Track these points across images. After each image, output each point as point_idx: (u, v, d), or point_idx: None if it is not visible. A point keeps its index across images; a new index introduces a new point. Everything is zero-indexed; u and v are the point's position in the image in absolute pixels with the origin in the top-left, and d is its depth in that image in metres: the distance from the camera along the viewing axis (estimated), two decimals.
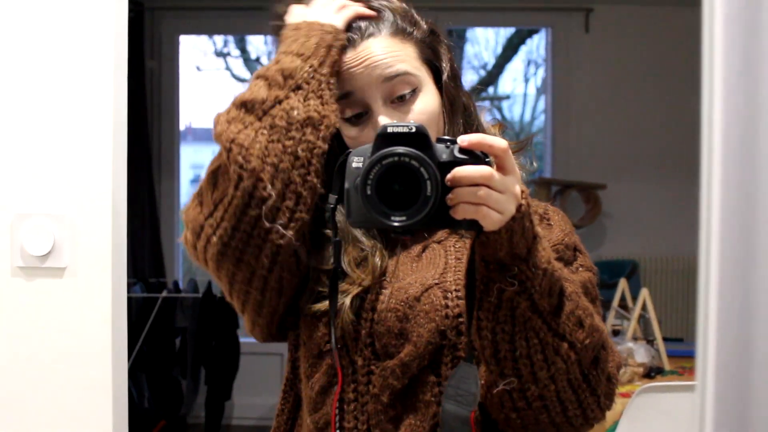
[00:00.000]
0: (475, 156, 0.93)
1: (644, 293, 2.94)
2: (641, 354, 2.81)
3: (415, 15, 1.18)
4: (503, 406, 1.02)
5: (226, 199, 1.04)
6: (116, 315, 1.59)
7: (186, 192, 5.38)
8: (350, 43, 1.12)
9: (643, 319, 3.05)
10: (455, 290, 1.09)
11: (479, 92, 1.28)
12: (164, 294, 4.12)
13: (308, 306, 1.12)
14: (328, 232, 1.11)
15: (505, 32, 5.62)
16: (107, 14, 1.56)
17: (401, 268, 1.14)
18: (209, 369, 4.30)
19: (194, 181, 5.82)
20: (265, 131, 1.04)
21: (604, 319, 1.09)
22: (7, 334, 1.58)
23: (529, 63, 5.67)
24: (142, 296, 4.14)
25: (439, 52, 1.19)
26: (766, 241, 0.50)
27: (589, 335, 1.00)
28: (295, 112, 1.05)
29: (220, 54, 5.66)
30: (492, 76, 5.60)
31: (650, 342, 2.93)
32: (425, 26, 1.18)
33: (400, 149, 0.91)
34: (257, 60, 5.71)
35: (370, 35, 1.13)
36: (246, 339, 4.27)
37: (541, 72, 5.57)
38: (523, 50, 5.66)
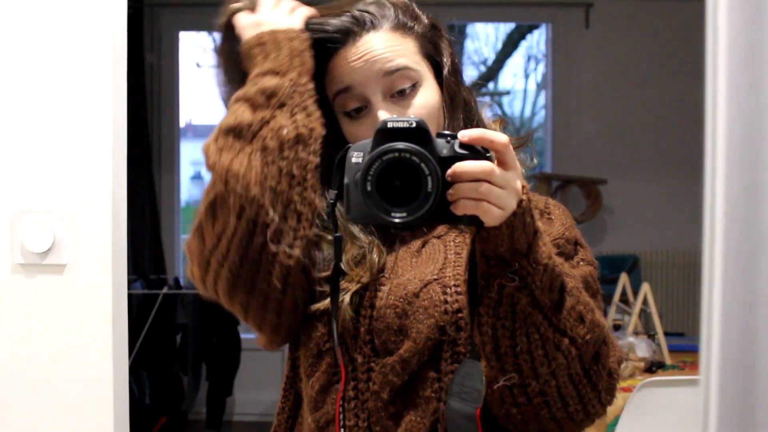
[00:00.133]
0: (475, 151, 0.93)
1: (645, 288, 2.94)
2: (642, 349, 2.81)
3: (416, 9, 1.18)
4: (504, 401, 1.02)
5: (228, 230, 1.03)
6: (117, 311, 1.59)
7: (186, 188, 5.38)
8: (351, 37, 1.12)
9: (644, 314, 3.05)
10: (454, 285, 1.09)
11: (480, 87, 1.28)
12: (165, 290, 4.12)
13: (307, 306, 1.11)
14: (322, 233, 1.11)
15: (505, 28, 5.61)
16: (106, 11, 1.56)
17: (400, 263, 1.14)
18: (210, 365, 4.30)
19: (195, 177, 5.83)
20: (258, 155, 1.03)
21: (605, 313, 1.09)
22: (7, 331, 1.57)
23: (529, 58, 5.66)
24: (143, 293, 4.14)
25: (439, 47, 1.18)
26: None
27: (590, 331, 0.99)
28: (285, 131, 1.04)
29: None
30: (492, 71, 5.60)
31: (651, 337, 2.93)
32: (426, 21, 1.17)
33: (401, 145, 0.91)
34: None
35: (371, 29, 1.12)
36: (247, 335, 4.27)
37: (541, 67, 5.57)
38: (523, 46, 5.66)
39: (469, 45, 5.54)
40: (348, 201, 0.98)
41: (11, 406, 1.58)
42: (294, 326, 1.12)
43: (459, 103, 1.19)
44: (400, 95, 1.12)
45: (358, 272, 1.10)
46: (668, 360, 2.85)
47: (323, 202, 1.10)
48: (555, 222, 1.17)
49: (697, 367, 2.83)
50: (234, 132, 1.05)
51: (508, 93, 5.64)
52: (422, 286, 1.09)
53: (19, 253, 1.56)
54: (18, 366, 1.58)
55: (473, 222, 0.93)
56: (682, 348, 3.08)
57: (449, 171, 0.91)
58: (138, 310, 4.07)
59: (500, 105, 5.50)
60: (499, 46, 5.65)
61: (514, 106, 5.65)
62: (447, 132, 0.95)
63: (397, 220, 0.91)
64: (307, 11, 1.14)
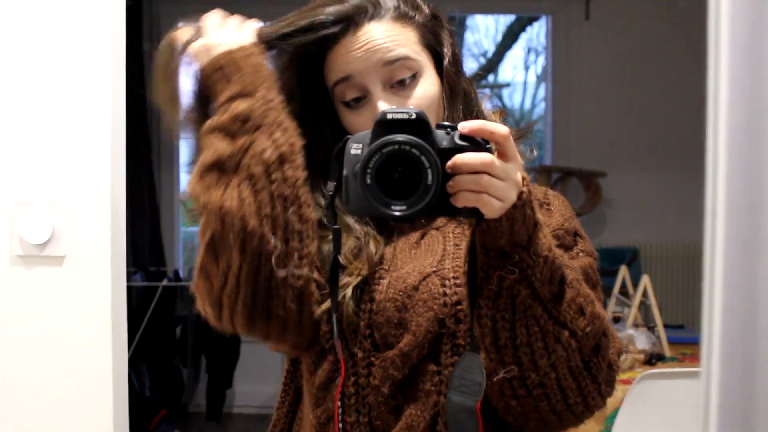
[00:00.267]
0: (475, 143, 0.92)
1: (645, 280, 2.94)
2: (642, 341, 2.81)
3: None
4: (503, 393, 1.02)
5: (234, 266, 1.02)
6: (116, 303, 1.58)
7: (186, 180, 5.37)
8: (351, 26, 1.11)
9: (644, 306, 3.05)
10: (453, 278, 1.08)
11: (480, 79, 1.27)
12: (164, 283, 4.12)
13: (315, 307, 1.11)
14: (320, 232, 1.11)
15: (505, 20, 5.60)
16: (105, 3, 1.55)
17: (399, 256, 1.13)
18: (210, 357, 4.30)
19: None
20: (246, 185, 1.01)
21: (604, 305, 1.09)
22: (5, 323, 1.57)
23: (529, 50, 5.65)
24: (143, 285, 4.14)
25: (440, 37, 1.17)
26: None
27: (590, 323, 0.99)
28: (267, 154, 1.02)
29: None
30: (492, 63, 5.59)
31: (651, 329, 2.93)
32: (427, 10, 1.16)
33: (400, 137, 0.90)
34: None
35: (372, 18, 1.11)
36: None
37: (541, 59, 5.56)
38: (523, 38, 5.64)
39: (469, 37, 5.53)
40: (347, 193, 0.97)
41: (10, 398, 1.58)
42: (315, 339, 1.11)
43: (459, 94, 1.18)
44: (400, 85, 1.12)
45: (357, 265, 1.10)
46: (668, 352, 2.86)
47: (317, 211, 1.10)
48: (554, 213, 1.16)
49: (697, 359, 2.84)
50: (217, 167, 1.03)
51: (508, 85, 5.63)
52: (421, 278, 1.08)
53: (17, 244, 1.56)
54: (17, 358, 1.57)
55: (473, 214, 0.93)
56: (681, 340, 3.09)
57: (449, 163, 0.90)
58: (138, 302, 4.07)
59: (500, 97, 5.48)
60: (499, 38, 5.64)
61: (513, 99, 5.64)
62: (447, 123, 0.94)
63: (396, 213, 0.91)
64: (254, 24, 1.13)
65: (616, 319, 3.09)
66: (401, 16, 1.13)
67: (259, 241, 1.00)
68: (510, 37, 5.62)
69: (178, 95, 1.12)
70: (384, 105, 1.09)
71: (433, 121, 0.95)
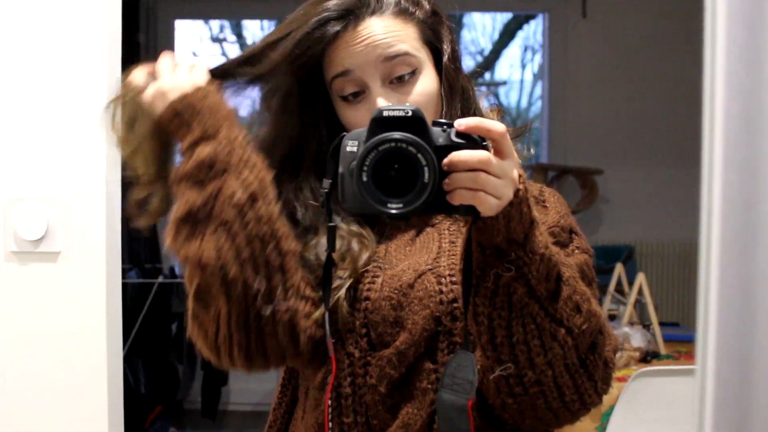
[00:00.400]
0: (472, 140, 0.92)
1: (640, 278, 2.94)
2: (637, 338, 2.81)
3: None
4: (499, 391, 1.01)
5: (222, 313, 1.03)
6: (111, 300, 1.58)
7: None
8: (352, 20, 1.10)
9: (639, 304, 3.06)
10: (449, 275, 1.08)
11: (478, 76, 1.26)
12: (160, 279, 4.11)
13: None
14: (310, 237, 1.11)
15: (502, 18, 5.60)
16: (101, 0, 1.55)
17: (394, 253, 1.13)
18: None
19: None
20: (222, 232, 1.01)
21: (600, 302, 1.09)
22: (0, 319, 1.57)
23: (525, 49, 5.65)
24: (138, 282, 4.13)
25: (440, 34, 1.17)
26: None
27: (587, 320, 0.99)
28: (237, 196, 1.01)
29: (216, 39, 5.64)
30: (489, 61, 5.59)
31: (646, 326, 2.93)
32: (428, 6, 1.16)
33: (397, 135, 0.90)
34: None
35: (373, 13, 1.11)
36: None
37: (537, 58, 5.56)
38: (520, 36, 5.65)
39: (466, 35, 5.53)
40: (343, 191, 0.97)
41: (5, 394, 1.58)
42: (315, 350, 1.11)
43: (457, 92, 1.18)
44: (399, 81, 1.11)
45: (343, 266, 1.09)
46: (663, 350, 2.86)
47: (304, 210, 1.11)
48: (550, 210, 1.16)
49: (692, 357, 2.85)
50: (190, 219, 1.03)
51: (504, 83, 5.63)
52: (416, 276, 1.08)
53: (12, 240, 1.55)
54: (11, 355, 1.57)
55: (470, 212, 0.92)
56: (676, 338, 3.10)
57: (445, 160, 0.90)
58: (133, 299, 4.06)
59: (497, 95, 5.49)
60: (496, 36, 5.64)
61: (510, 97, 5.64)
62: (443, 120, 0.94)
63: (393, 211, 0.90)
64: (205, 64, 1.11)
65: (612, 317, 3.09)
66: (402, 12, 1.13)
67: (242, 287, 1.01)
68: (507, 35, 5.62)
69: (142, 145, 1.10)
70: (383, 101, 1.09)
71: (430, 119, 0.94)
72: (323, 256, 1.10)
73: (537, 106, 5.56)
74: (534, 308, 0.96)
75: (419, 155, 0.89)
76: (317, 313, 1.07)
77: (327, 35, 1.09)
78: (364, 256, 1.11)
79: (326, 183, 1.02)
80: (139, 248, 4.71)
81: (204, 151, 1.03)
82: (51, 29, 1.55)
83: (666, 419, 2.14)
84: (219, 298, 1.02)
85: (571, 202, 4.52)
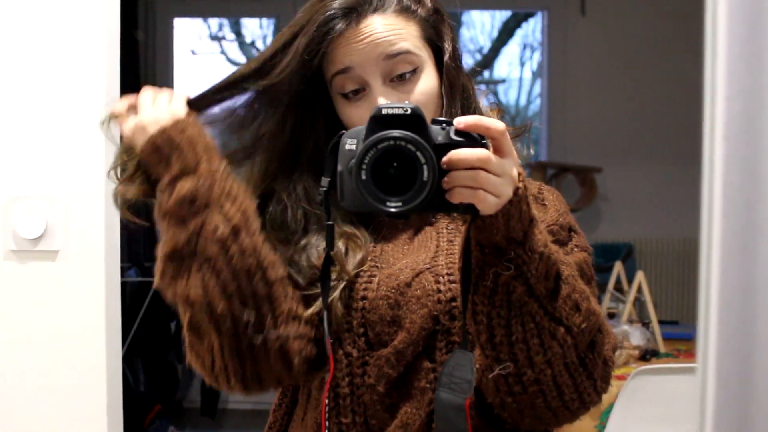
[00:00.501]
0: (471, 138, 0.92)
1: (640, 276, 2.94)
2: (636, 337, 2.81)
3: None
4: (499, 390, 1.01)
5: (216, 346, 1.04)
6: (110, 298, 1.58)
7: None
8: (354, 17, 1.10)
9: (639, 302, 3.06)
10: (447, 274, 1.08)
11: (477, 75, 1.26)
12: None
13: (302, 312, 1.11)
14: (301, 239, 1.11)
15: (501, 16, 5.59)
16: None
17: (391, 253, 1.13)
18: None
19: None
20: (206, 269, 1.02)
21: (599, 301, 1.08)
22: None
23: (524, 47, 5.65)
24: (137, 280, 4.13)
25: (441, 32, 1.16)
26: None
27: (586, 319, 0.99)
28: (220, 230, 1.02)
29: (215, 38, 5.64)
30: (487, 60, 5.59)
31: (645, 325, 2.93)
32: (429, 4, 1.15)
33: (396, 133, 0.90)
34: (252, 44, 5.68)
35: (376, 11, 1.10)
36: None
37: (536, 56, 5.56)
38: (519, 34, 5.64)
39: (465, 33, 5.53)
40: (341, 189, 0.96)
41: (4, 393, 1.58)
42: (311, 368, 1.13)
43: (458, 90, 1.17)
44: (400, 79, 1.11)
45: (334, 269, 1.09)
46: (662, 348, 2.86)
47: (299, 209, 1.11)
48: (549, 208, 1.16)
49: (692, 355, 2.84)
50: (175, 257, 1.03)
51: (503, 81, 5.63)
52: (414, 275, 1.08)
53: (11, 239, 1.55)
54: (10, 354, 1.57)
55: (469, 210, 0.92)
56: (676, 336, 3.10)
57: (444, 158, 0.89)
58: (132, 297, 4.06)
59: (495, 93, 5.49)
60: (495, 34, 5.64)
61: (509, 95, 5.64)
62: (442, 118, 0.93)
63: (392, 209, 0.90)
64: (185, 94, 1.11)
65: (611, 315, 3.09)
66: (404, 10, 1.12)
67: (231, 320, 1.02)
68: (505, 33, 5.62)
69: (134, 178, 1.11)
70: (383, 100, 1.08)
71: (431, 117, 0.94)
72: (313, 257, 1.10)
73: (536, 104, 5.56)
74: (533, 307, 0.96)
75: (418, 153, 0.89)
76: (309, 312, 1.08)
77: (333, 33, 1.09)
78: (358, 256, 1.11)
79: (324, 181, 1.02)
80: (138, 247, 4.72)
81: (184, 186, 1.03)
82: (50, 28, 1.54)
83: (665, 417, 2.13)
84: (210, 332, 1.03)
85: (570, 200, 4.53)
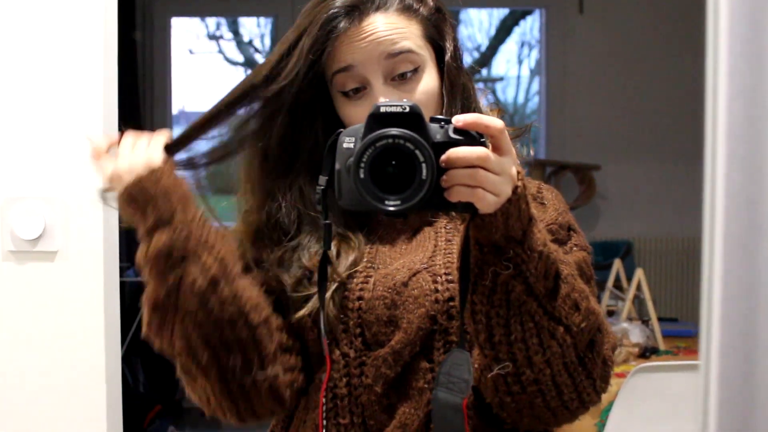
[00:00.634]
0: (470, 136, 0.91)
1: (639, 273, 2.94)
2: (636, 334, 2.81)
3: None
4: (497, 390, 1.01)
5: (208, 389, 1.07)
6: (109, 299, 1.58)
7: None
8: (357, 15, 1.09)
9: (638, 300, 3.05)
10: (445, 274, 1.07)
11: (474, 73, 1.26)
12: None
13: (291, 315, 1.11)
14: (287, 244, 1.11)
15: (499, 13, 5.59)
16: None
17: (388, 253, 1.13)
18: None
19: None
20: (188, 321, 1.03)
21: (599, 299, 1.08)
22: None
23: (522, 44, 5.65)
24: (136, 280, 4.12)
25: (443, 31, 1.16)
26: None
27: (585, 318, 0.98)
28: (198, 284, 1.02)
29: (212, 37, 5.63)
30: (485, 57, 5.59)
31: (645, 322, 2.93)
32: (432, 3, 1.15)
33: (394, 131, 0.89)
34: (250, 43, 5.68)
35: (378, 9, 1.10)
36: None
37: (534, 53, 5.56)
38: (517, 32, 5.64)
39: (463, 31, 5.52)
40: (339, 187, 0.96)
41: (3, 394, 1.57)
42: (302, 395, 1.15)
43: (459, 90, 1.17)
44: (401, 79, 1.10)
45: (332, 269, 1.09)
46: (662, 345, 2.86)
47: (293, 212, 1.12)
48: (548, 207, 1.15)
49: (691, 353, 2.84)
50: (158, 309, 1.05)
51: (501, 79, 5.63)
52: (411, 275, 1.07)
53: (9, 240, 1.55)
54: (9, 355, 1.57)
55: (467, 209, 0.92)
56: (675, 333, 3.10)
57: (443, 157, 0.89)
58: (131, 297, 4.05)
59: (493, 91, 5.49)
60: (493, 32, 5.64)
61: (507, 93, 5.64)
62: (441, 117, 0.93)
63: (390, 208, 0.89)
64: (164, 137, 1.10)
65: (610, 313, 3.09)
66: (406, 9, 1.12)
67: (217, 368, 1.05)
68: (503, 31, 5.61)
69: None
70: (384, 100, 1.08)
71: (428, 116, 0.94)
72: (305, 258, 1.10)
73: (534, 101, 5.56)
74: (532, 306, 0.95)
75: (417, 151, 0.88)
76: (302, 312, 1.08)
77: (336, 32, 1.09)
78: (350, 258, 1.10)
79: (322, 180, 1.01)
80: (137, 247, 4.71)
81: (160, 239, 1.03)
82: (47, 28, 1.54)
83: (665, 415, 2.13)
84: (201, 378, 1.06)
85: (569, 198, 4.53)
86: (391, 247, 1.14)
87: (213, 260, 1.04)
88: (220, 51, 5.65)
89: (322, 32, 1.08)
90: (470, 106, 1.18)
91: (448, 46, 1.15)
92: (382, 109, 0.91)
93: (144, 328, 1.07)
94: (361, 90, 1.11)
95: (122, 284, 1.67)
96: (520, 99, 5.69)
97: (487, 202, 0.90)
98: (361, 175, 0.89)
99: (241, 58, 5.67)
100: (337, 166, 0.96)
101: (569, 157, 4.91)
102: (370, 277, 1.09)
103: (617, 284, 3.22)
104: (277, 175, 1.15)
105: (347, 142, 0.95)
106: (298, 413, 1.17)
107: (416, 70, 1.11)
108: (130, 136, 1.11)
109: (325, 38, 1.08)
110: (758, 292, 0.49)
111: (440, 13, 1.16)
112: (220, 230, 1.07)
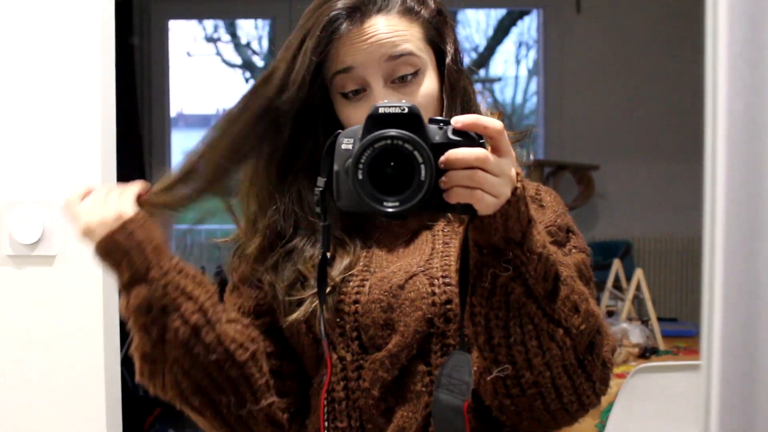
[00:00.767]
0: (469, 138, 0.91)
1: (638, 273, 2.94)
2: (636, 334, 2.81)
3: None
4: (497, 392, 1.00)
5: (207, 425, 1.11)
6: (108, 303, 1.58)
7: None
8: (358, 16, 1.09)
9: (638, 300, 3.05)
10: (442, 277, 1.07)
11: (472, 73, 1.25)
12: None
13: (283, 319, 1.11)
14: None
15: (496, 14, 5.59)
16: (94, 0, 1.54)
17: (385, 256, 1.12)
18: None
19: None
20: (177, 369, 1.05)
21: (598, 300, 1.08)
22: None
23: (520, 45, 5.65)
24: None
25: (444, 34, 1.15)
26: None
27: (585, 320, 0.98)
28: (181, 332, 1.04)
29: (210, 39, 5.63)
30: (483, 58, 5.58)
31: (645, 322, 2.93)
32: (433, 6, 1.15)
33: (393, 132, 0.89)
34: (248, 45, 5.68)
35: (380, 11, 1.10)
36: None
37: (532, 53, 5.56)
38: (515, 32, 5.64)
39: (461, 31, 5.52)
40: (338, 188, 0.95)
41: (3, 398, 1.57)
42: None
43: (459, 92, 1.16)
44: (401, 81, 1.10)
45: (315, 275, 1.09)
46: (662, 345, 2.86)
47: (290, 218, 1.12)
48: (547, 209, 1.15)
49: (691, 353, 2.84)
50: (146, 359, 1.07)
51: (499, 79, 5.62)
52: (407, 278, 1.07)
53: (8, 244, 1.54)
54: (8, 359, 1.56)
55: (466, 210, 0.91)
56: (675, 333, 3.10)
57: (442, 158, 0.88)
58: None
59: (491, 92, 5.48)
60: (490, 32, 5.64)
61: (505, 93, 5.64)
62: (440, 118, 0.92)
63: (389, 209, 0.89)
64: (135, 188, 1.10)
65: (610, 313, 3.09)
66: (408, 11, 1.11)
67: (212, 408, 1.07)
68: (501, 32, 5.61)
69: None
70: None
71: (427, 118, 0.93)
72: (299, 262, 1.10)
73: (532, 102, 5.56)
74: (532, 308, 0.95)
75: (415, 153, 0.88)
76: (295, 315, 1.09)
77: (337, 34, 1.08)
78: (344, 262, 1.10)
79: (321, 181, 1.01)
80: None
81: (139, 295, 1.04)
82: (44, 31, 1.54)
83: (666, 415, 2.13)
84: (200, 416, 1.09)
85: (567, 198, 4.53)
86: (388, 250, 1.13)
87: (193, 308, 1.05)
88: (218, 53, 5.65)
89: (324, 34, 1.08)
90: (470, 109, 1.18)
91: (448, 49, 1.15)
92: (381, 110, 0.90)
93: (137, 377, 1.09)
94: (360, 92, 1.10)
95: None
96: (518, 99, 5.69)
97: (486, 204, 0.89)
98: (360, 177, 0.89)
99: (239, 61, 5.67)
100: (336, 167, 0.95)
101: (568, 157, 4.91)
102: (367, 280, 1.09)
103: (617, 284, 3.21)
104: (278, 178, 1.14)
105: (346, 144, 0.95)
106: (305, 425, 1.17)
107: (416, 73, 1.11)
108: (102, 187, 1.11)
109: (327, 40, 1.08)
110: (759, 292, 0.49)
111: (441, 15, 1.16)
112: (197, 275, 1.08)
